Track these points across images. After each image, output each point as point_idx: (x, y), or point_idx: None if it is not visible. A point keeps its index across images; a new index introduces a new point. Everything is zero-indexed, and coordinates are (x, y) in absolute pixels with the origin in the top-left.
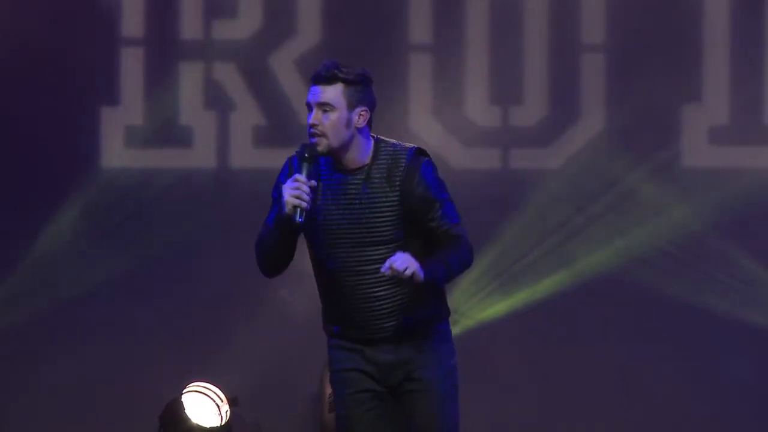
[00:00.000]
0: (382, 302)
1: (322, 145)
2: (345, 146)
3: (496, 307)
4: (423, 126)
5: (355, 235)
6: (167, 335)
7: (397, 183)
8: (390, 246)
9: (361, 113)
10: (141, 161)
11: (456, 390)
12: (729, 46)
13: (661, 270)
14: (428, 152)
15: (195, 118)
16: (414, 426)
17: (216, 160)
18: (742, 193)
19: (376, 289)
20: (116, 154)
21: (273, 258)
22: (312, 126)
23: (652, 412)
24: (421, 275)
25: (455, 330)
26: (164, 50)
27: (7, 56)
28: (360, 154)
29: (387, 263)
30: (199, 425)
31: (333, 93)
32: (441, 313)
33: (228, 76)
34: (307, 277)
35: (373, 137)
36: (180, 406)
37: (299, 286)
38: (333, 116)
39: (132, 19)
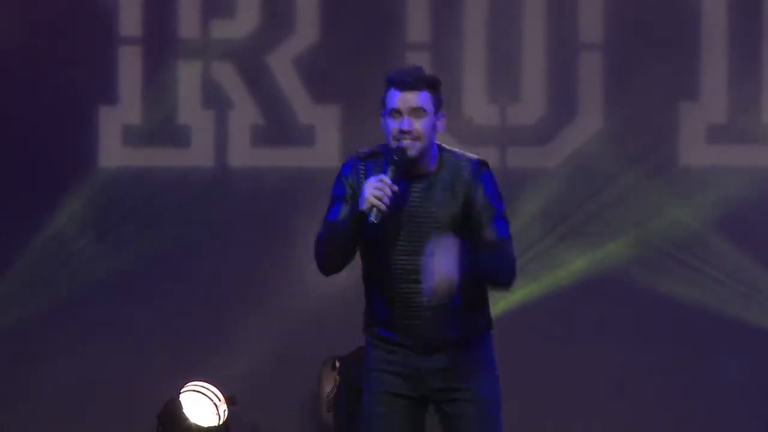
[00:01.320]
0: (434, 312)
1: (416, 149)
2: (427, 151)
3: (494, 306)
4: None
5: (414, 243)
6: (165, 334)
7: (460, 193)
8: None
9: (441, 118)
10: (139, 160)
11: (500, 403)
12: (727, 44)
13: (658, 269)
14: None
15: (193, 117)
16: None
17: (214, 159)
18: (740, 191)
19: (426, 300)
20: (114, 152)
21: (334, 254)
22: (405, 132)
23: (650, 412)
24: (456, 280)
25: None
26: (162, 49)
27: (5, 55)
28: (429, 161)
29: (426, 289)
30: (197, 424)
31: (423, 98)
32: (487, 325)
33: (226, 75)
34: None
35: (439, 146)
36: (178, 406)
37: (300, 285)
38: (425, 121)
39: (130, 18)
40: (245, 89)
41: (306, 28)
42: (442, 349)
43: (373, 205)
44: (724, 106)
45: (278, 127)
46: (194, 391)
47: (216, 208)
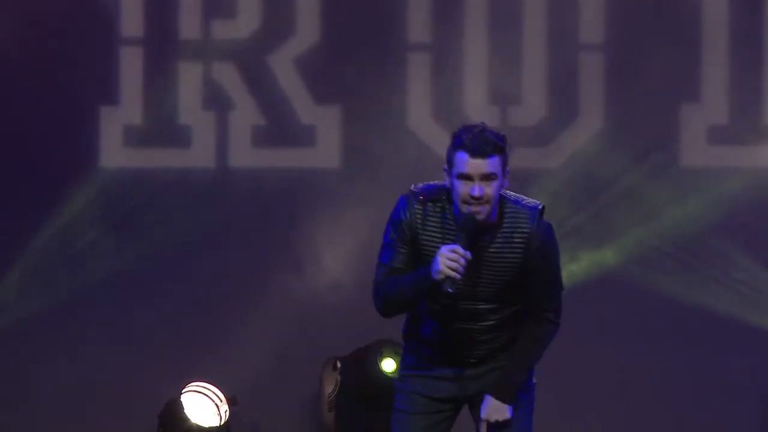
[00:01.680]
0: (483, 344)
1: (485, 212)
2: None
3: None
4: (421, 125)
5: (472, 290)
6: (166, 335)
7: (520, 246)
8: (500, 303)
9: (507, 174)
10: (140, 161)
11: (533, 407)
12: (728, 45)
13: (659, 269)
14: (428, 152)
15: (194, 117)
16: None
17: (215, 159)
18: (741, 192)
19: (481, 334)
20: (115, 153)
21: (398, 309)
22: (477, 198)
23: (650, 412)
24: (508, 416)
25: None
26: (163, 50)
27: (6, 55)
28: (491, 213)
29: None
30: (198, 425)
31: (494, 164)
32: None
33: (227, 75)
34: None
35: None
36: (179, 406)
37: (301, 286)
38: (495, 185)
39: (131, 18)
40: (246, 90)
41: (307, 29)
42: (479, 366)
43: (447, 276)
44: (725, 107)
45: (279, 128)
46: (195, 391)
47: (217, 209)
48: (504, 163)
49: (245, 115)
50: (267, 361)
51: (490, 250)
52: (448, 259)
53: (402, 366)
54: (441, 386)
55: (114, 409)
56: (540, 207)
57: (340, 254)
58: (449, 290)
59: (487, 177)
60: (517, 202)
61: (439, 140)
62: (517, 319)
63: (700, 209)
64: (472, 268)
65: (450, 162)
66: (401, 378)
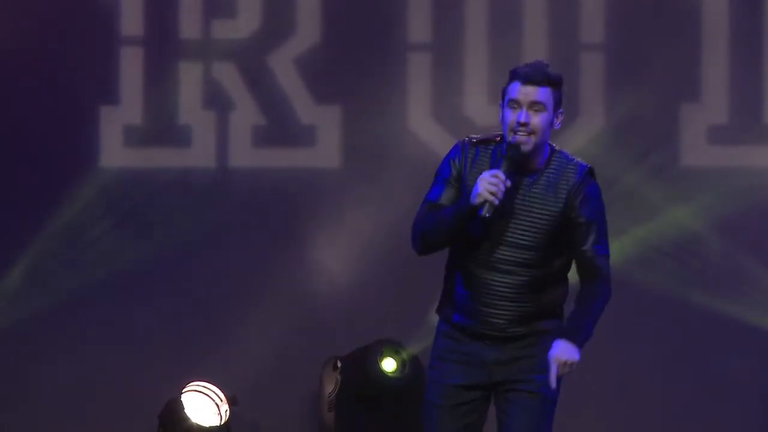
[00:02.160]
0: (513, 304)
1: (530, 144)
2: (540, 147)
3: None
4: (422, 125)
5: (509, 234)
6: (167, 334)
7: (563, 194)
8: (536, 252)
9: (559, 115)
10: (140, 160)
11: (555, 404)
12: (728, 45)
13: (658, 269)
14: (429, 152)
15: (194, 117)
16: (509, 421)
17: (215, 159)
18: (741, 192)
19: (512, 291)
20: (115, 153)
21: (437, 241)
22: (522, 125)
23: (650, 412)
24: (577, 358)
25: None
26: (163, 49)
27: (7, 55)
28: (540, 158)
29: (552, 373)
30: (198, 425)
31: (544, 94)
32: (559, 325)
33: (227, 75)
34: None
35: (550, 145)
36: (179, 406)
37: (301, 285)
38: (543, 117)
39: (131, 18)
40: (246, 89)
41: (307, 29)
42: (512, 342)
43: (486, 200)
44: (726, 107)
45: (279, 128)
46: (195, 391)
47: (217, 209)
48: (556, 100)
49: (245, 115)
50: (267, 360)
51: (533, 192)
52: (489, 183)
53: (432, 354)
54: (468, 372)
55: (114, 409)
56: (590, 166)
57: (340, 254)
58: (487, 215)
59: (535, 105)
60: (568, 156)
61: (439, 140)
62: (547, 289)
63: (700, 209)
64: (511, 209)
65: (503, 94)
66: (431, 366)
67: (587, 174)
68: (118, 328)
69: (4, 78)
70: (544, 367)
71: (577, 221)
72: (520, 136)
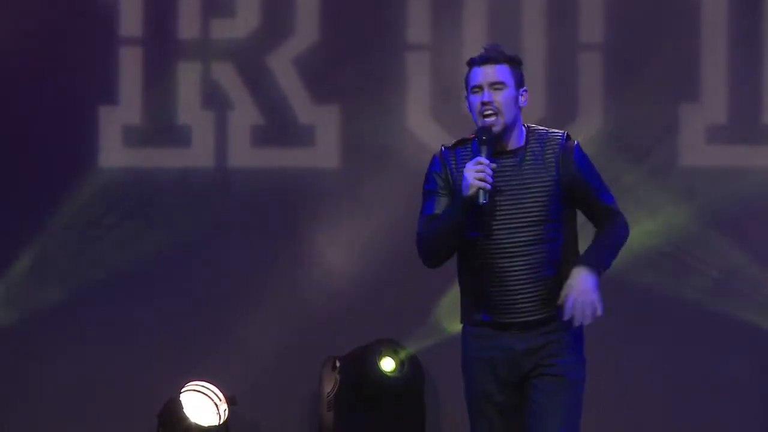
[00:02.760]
0: (535, 285)
1: (498, 124)
2: (512, 125)
3: None
4: (421, 125)
5: (509, 216)
6: (166, 334)
7: (551, 162)
8: (543, 227)
9: (524, 93)
10: (139, 160)
11: (584, 383)
12: (727, 45)
13: (658, 269)
14: (428, 151)
15: (193, 117)
16: (539, 411)
17: (214, 159)
18: (740, 192)
19: (532, 272)
20: (114, 153)
21: (444, 245)
22: (485, 104)
23: (650, 412)
24: (600, 308)
25: (455, 329)
26: (162, 50)
27: (6, 55)
28: (518, 136)
29: (567, 310)
30: (197, 424)
31: (502, 72)
32: None
33: (226, 75)
34: (309, 277)
35: (525, 125)
36: (178, 405)
37: (301, 285)
38: (506, 94)
39: (130, 18)
40: (245, 89)
41: (306, 29)
42: (536, 329)
43: (478, 188)
44: (724, 107)
45: (278, 128)
46: (194, 390)
47: (216, 209)
48: (517, 78)
49: (244, 114)
50: (266, 360)
51: (524, 170)
52: (475, 171)
53: (463, 359)
54: (496, 367)
55: (113, 409)
56: (566, 132)
57: (339, 254)
58: (484, 201)
59: (495, 84)
60: (542, 129)
61: (437, 139)
62: (563, 263)
63: (699, 209)
64: (510, 191)
65: (466, 85)
66: (463, 366)
67: (567, 139)
68: (117, 328)
69: (3, 78)
70: (567, 351)
71: (578, 184)
72: (488, 118)
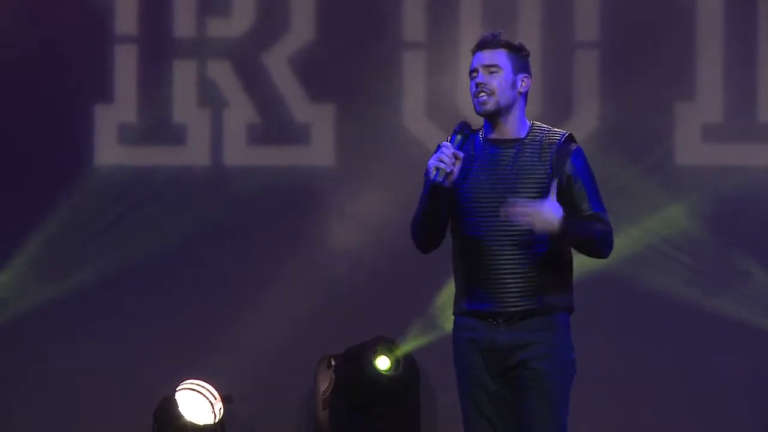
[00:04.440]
0: (522, 276)
1: (490, 103)
2: (508, 109)
3: None
4: (417, 124)
5: (501, 202)
6: (161, 332)
7: (548, 158)
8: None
9: (524, 79)
10: (134, 159)
11: (570, 385)
12: (722, 44)
13: (654, 267)
14: (423, 150)
15: (188, 115)
16: (523, 413)
17: (209, 157)
18: (736, 190)
19: (519, 262)
20: (110, 151)
21: (424, 229)
22: (479, 85)
23: (650, 412)
24: (553, 220)
25: (451, 327)
26: (158, 48)
27: (1, 54)
28: (518, 126)
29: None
30: (192, 423)
31: (499, 56)
32: (567, 305)
33: (221, 73)
34: (304, 275)
35: (529, 121)
36: (174, 404)
37: (296, 284)
38: (500, 76)
39: (125, 16)
40: (241, 88)
41: (301, 27)
42: (525, 321)
43: (436, 168)
44: (720, 106)
45: (274, 126)
46: (190, 389)
47: (212, 207)
48: (516, 63)
49: (240, 113)
50: (262, 358)
51: (520, 161)
52: (436, 155)
53: (454, 352)
54: (480, 360)
55: (109, 407)
56: (570, 132)
57: (335, 252)
58: (439, 180)
59: (490, 68)
60: (547, 127)
61: (433, 138)
62: (552, 259)
63: (695, 207)
64: (504, 179)
65: (469, 74)
66: (454, 361)
67: (569, 138)
68: (112, 326)
69: None
70: (555, 352)
71: (569, 184)
72: (481, 97)
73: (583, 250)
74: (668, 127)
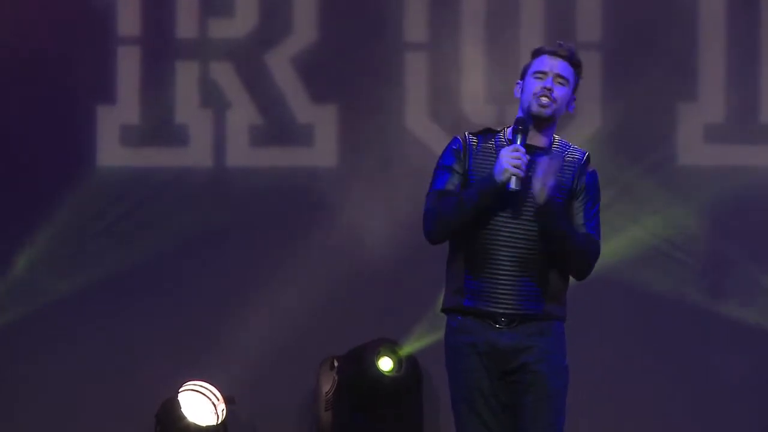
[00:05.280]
0: (523, 279)
1: (551, 109)
2: (554, 120)
3: None
4: (419, 124)
5: (516, 205)
6: (164, 334)
7: (571, 171)
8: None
9: (574, 99)
10: (137, 160)
11: (566, 392)
12: (725, 44)
13: (656, 268)
14: (426, 151)
15: (191, 116)
16: (521, 416)
17: (212, 158)
18: (738, 191)
19: (522, 265)
20: (112, 152)
21: (456, 224)
22: (546, 89)
23: (650, 412)
24: (546, 195)
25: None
26: (160, 49)
27: (3, 55)
28: (548, 137)
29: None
30: (195, 424)
31: (568, 70)
32: (563, 314)
33: (224, 74)
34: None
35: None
36: (176, 405)
37: (299, 285)
38: (565, 90)
39: (128, 17)
40: (243, 89)
41: (304, 28)
42: (524, 325)
43: (512, 174)
44: (722, 106)
45: (277, 127)
46: (192, 390)
47: (214, 208)
48: (575, 82)
49: (243, 114)
50: (264, 359)
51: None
52: (511, 157)
53: (446, 354)
54: (476, 362)
55: (111, 408)
56: (588, 153)
57: (337, 253)
58: (516, 188)
59: (559, 78)
60: (566, 142)
61: (436, 139)
62: (552, 268)
63: (697, 208)
64: (528, 183)
65: (527, 68)
66: (448, 364)
67: (588, 158)
68: (115, 327)
69: (1, 77)
70: (550, 357)
71: (576, 200)
72: (543, 100)
73: (562, 251)
74: (670, 127)
